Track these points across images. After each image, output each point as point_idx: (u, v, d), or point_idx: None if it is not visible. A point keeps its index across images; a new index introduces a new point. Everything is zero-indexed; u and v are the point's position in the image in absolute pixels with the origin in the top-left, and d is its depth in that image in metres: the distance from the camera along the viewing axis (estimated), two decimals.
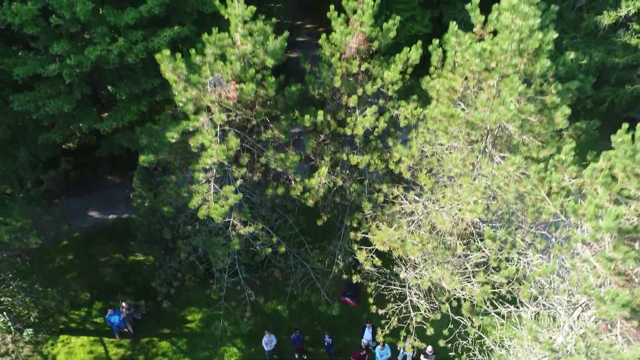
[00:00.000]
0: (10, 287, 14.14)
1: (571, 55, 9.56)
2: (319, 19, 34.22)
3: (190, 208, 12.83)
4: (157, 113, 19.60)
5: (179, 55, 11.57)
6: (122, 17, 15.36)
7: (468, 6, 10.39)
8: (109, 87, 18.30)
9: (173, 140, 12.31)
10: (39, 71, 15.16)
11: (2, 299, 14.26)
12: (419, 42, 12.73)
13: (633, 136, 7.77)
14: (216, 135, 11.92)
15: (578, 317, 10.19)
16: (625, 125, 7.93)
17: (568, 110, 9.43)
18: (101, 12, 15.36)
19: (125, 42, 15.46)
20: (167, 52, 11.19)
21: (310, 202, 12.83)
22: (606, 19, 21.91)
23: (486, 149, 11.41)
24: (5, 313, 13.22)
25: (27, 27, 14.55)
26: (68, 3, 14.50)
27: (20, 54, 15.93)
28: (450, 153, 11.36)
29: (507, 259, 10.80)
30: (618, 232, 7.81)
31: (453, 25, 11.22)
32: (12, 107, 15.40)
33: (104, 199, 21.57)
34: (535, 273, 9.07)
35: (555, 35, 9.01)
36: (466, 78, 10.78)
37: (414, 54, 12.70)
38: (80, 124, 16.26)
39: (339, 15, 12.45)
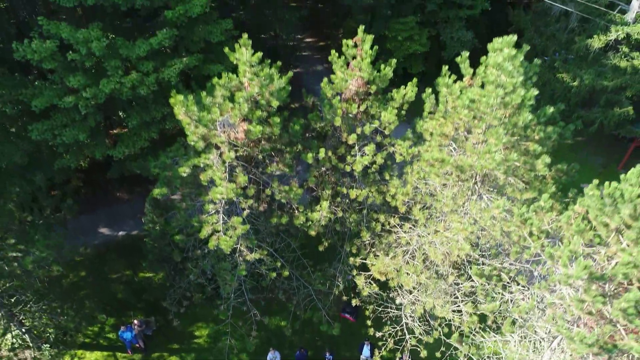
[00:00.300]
0: (29, 306, 15.02)
1: (551, 109, 10.45)
2: (320, 33, 35.15)
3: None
4: (167, 139, 20.44)
5: (190, 97, 12.44)
6: (134, 49, 16.17)
7: (458, 59, 11.27)
8: (121, 113, 19.14)
9: (185, 175, 13.24)
10: (55, 102, 15.91)
11: (22, 319, 15.15)
12: (415, 80, 13.63)
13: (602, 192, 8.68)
14: (225, 171, 12.82)
15: (558, 344, 11.13)
16: (596, 181, 8.85)
17: (548, 159, 10.34)
18: (110, 37, 16.05)
19: (138, 75, 16.26)
20: (180, 97, 12.06)
21: (313, 233, 13.77)
22: (597, 42, 22.71)
23: (476, 185, 12.33)
24: (27, 334, 14.11)
25: (46, 63, 15.34)
26: (84, 39, 15.35)
27: (37, 83, 16.73)
28: (443, 191, 12.28)
29: (494, 291, 11.72)
30: (589, 277, 8.72)
31: (445, 70, 12.14)
32: (30, 135, 16.27)
33: (112, 215, 22.37)
34: (515, 310, 10.01)
35: (536, 92, 9.91)
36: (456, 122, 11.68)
37: (409, 91, 13.64)
38: (95, 152, 17.13)
39: (339, 57, 13.34)
